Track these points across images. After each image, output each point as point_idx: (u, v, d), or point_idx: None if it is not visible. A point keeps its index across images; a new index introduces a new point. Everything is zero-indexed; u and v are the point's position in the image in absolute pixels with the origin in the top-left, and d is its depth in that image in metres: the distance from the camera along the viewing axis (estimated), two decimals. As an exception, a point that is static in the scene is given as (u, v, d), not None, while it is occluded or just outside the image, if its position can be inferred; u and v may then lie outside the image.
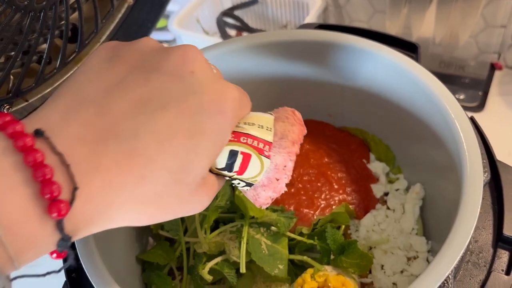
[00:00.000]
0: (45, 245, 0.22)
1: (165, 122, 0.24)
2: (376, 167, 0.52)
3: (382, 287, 0.44)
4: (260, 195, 0.30)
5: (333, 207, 0.48)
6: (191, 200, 0.26)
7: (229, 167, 0.28)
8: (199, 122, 0.25)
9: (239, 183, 0.30)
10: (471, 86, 0.78)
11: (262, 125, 0.29)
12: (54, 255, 0.24)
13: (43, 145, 0.22)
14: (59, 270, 0.24)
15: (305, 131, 0.31)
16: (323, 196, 0.49)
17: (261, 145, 0.28)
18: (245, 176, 0.29)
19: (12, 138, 0.21)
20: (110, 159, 0.23)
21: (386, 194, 0.51)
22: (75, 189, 0.22)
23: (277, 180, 0.30)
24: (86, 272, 0.35)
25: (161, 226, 0.48)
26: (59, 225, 0.22)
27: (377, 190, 0.51)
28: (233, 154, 0.28)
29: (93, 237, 0.38)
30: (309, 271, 0.43)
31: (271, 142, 0.29)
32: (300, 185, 0.49)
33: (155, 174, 0.24)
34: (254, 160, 0.28)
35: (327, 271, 0.43)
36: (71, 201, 0.22)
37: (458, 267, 0.35)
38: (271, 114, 0.31)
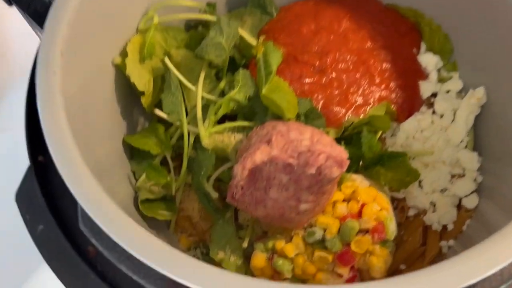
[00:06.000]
0: None
1: None
2: (428, 60, 0.42)
3: (418, 206, 0.37)
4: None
5: (370, 105, 0.39)
6: None
7: None
8: None
9: None
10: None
11: None
12: None
13: None
14: None
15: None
16: (360, 91, 0.39)
17: None
18: None
19: None
20: None
21: (434, 95, 0.42)
22: None
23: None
24: (54, 159, 0.26)
25: (157, 104, 0.39)
26: None
27: (425, 88, 0.41)
28: None
29: (65, 110, 0.28)
30: (334, 179, 0.36)
31: None
32: (333, 75, 0.39)
33: None
34: None
35: (356, 182, 0.36)
36: None
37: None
38: None
